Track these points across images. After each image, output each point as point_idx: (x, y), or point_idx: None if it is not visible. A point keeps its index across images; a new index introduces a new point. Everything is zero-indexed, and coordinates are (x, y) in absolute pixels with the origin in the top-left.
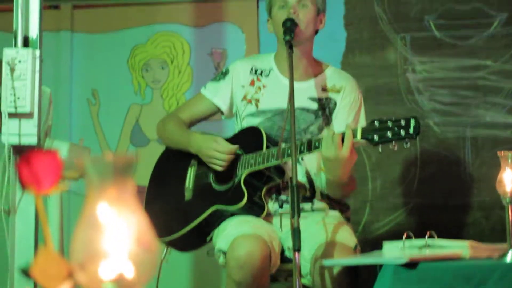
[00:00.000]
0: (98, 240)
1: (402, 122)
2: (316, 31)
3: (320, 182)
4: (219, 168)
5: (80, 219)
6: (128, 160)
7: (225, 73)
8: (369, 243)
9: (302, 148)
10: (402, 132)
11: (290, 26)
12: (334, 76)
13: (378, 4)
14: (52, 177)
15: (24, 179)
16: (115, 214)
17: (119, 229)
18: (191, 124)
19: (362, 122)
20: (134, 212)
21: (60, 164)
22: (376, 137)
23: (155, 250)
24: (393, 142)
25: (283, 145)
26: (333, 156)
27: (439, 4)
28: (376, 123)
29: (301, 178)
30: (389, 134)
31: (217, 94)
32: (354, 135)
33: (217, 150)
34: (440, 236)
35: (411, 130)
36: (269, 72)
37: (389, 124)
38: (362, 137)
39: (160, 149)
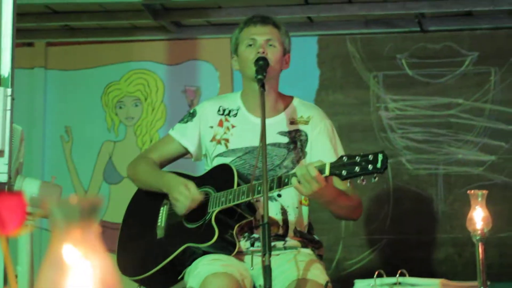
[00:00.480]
0: (62, 281)
1: (370, 157)
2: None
3: (300, 215)
4: (179, 211)
5: (45, 261)
6: (93, 203)
7: (192, 115)
8: (343, 280)
9: (272, 184)
10: (370, 167)
11: (262, 65)
12: (300, 107)
13: (350, 43)
14: (17, 219)
15: None
16: (79, 255)
17: (83, 271)
18: (161, 165)
19: (340, 148)
20: (98, 253)
21: (24, 206)
22: (344, 172)
23: None
24: (361, 176)
25: (254, 182)
26: (312, 193)
27: (411, 43)
28: (345, 159)
29: (275, 215)
30: (357, 169)
31: (185, 136)
32: (323, 171)
33: (181, 194)
34: (413, 272)
35: (378, 165)
36: (237, 111)
37: (357, 159)
38: (331, 173)
39: (133, 186)
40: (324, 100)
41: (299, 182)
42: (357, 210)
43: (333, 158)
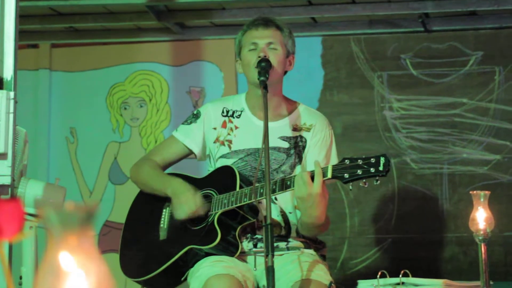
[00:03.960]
0: (59, 287)
1: (372, 160)
2: (285, 73)
3: (296, 219)
4: (178, 216)
5: (41, 267)
6: (89, 210)
7: (196, 116)
8: (348, 280)
9: (275, 187)
10: (372, 170)
11: (265, 67)
12: (305, 114)
13: (355, 43)
14: (14, 224)
15: None
16: (75, 262)
17: (78, 277)
18: (164, 167)
19: (334, 159)
20: (93, 259)
21: (22, 212)
22: (346, 175)
23: None
24: (363, 179)
25: (256, 184)
26: (306, 194)
27: (415, 43)
28: (347, 161)
29: (276, 217)
30: (359, 171)
31: (189, 137)
32: (325, 173)
33: (189, 201)
34: (419, 272)
35: (381, 167)
36: (241, 112)
37: (359, 162)
38: (333, 175)
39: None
40: (329, 100)
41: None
42: (325, 228)
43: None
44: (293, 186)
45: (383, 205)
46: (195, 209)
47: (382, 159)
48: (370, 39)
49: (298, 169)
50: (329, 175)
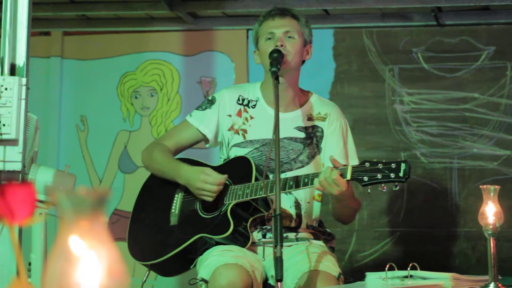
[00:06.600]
0: (70, 271)
1: (393, 165)
2: (303, 62)
3: (311, 210)
4: (208, 199)
5: (53, 251)
6: (101, 194)
7: (211, 101)
8: (355, 272)
9: (291, 183)
10: (392, 175)
11: (276, 57)
12: (318, 104)
13: (367, 36)
14: (26, 209)
15: None
16: (86, 246)
17: (90, 261)
18: (176, 152)
19: (351, 148)
20: (105, 244)
21: (34, 196)
22: (366, 178)
23: (126, 281)
24: (382, 184)
25: (271, 176)
26: (335, 194)
27: (427, 37)
28: (367, 164)
29: (289, 208)
30: (379, 176)
31: (203, 122)
32: (344, 175)
33: (206, 182)
34: (427, 266)
35: (401, 174)
36: (256, 102)
37: (380, 166)
38: (352, 177)
39: (148, 175)
40: (340, 93)
41: (321, 184)
42: (355, 214)
43: (342, 159)
44: (312, 185)
45: (392, 198)
46: (217, 187)
47: (403, 165)
48: (382, 32)
49: (316, 159)
50: (348, 176)
